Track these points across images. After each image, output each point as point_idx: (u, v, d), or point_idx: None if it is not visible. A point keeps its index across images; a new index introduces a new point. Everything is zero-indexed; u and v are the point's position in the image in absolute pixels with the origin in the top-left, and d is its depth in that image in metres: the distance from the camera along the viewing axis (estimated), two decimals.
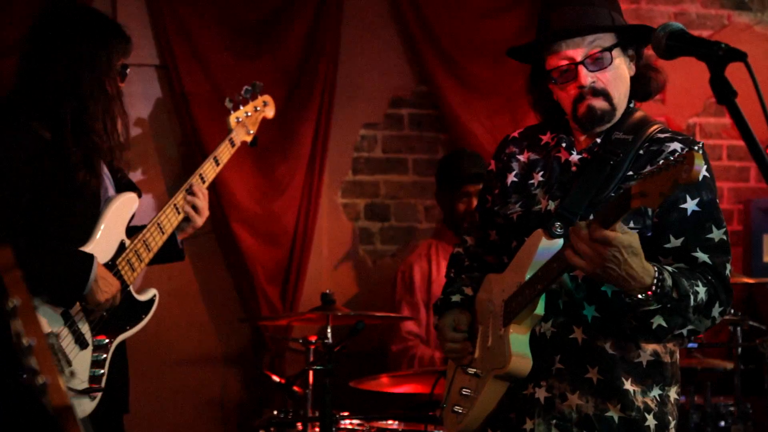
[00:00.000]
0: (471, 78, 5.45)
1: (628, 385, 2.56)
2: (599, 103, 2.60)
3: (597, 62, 2.59)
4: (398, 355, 4.85)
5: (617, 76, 2.62)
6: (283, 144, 5.19)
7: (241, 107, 3.81)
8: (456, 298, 2.82)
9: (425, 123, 5.55)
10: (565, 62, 2.60)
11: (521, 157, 2.78)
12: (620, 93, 2.63)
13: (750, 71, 1.94)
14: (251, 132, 3.82)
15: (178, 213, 3.44)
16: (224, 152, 3.66)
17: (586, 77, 2.58)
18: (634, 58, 2.67)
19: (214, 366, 5.23)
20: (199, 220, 3.52)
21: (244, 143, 3.78)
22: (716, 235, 2.53)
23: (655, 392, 2.59)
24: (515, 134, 2.86)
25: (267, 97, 3.93)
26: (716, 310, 2.49)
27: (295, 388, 4.26)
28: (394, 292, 4.98)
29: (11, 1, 4.88)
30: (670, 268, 2.42)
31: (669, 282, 2.38)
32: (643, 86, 2.70)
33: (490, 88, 5.46)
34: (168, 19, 5.08)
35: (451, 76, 5.42)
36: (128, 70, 3.32)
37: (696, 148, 2.15)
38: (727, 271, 2.54)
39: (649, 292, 2.35)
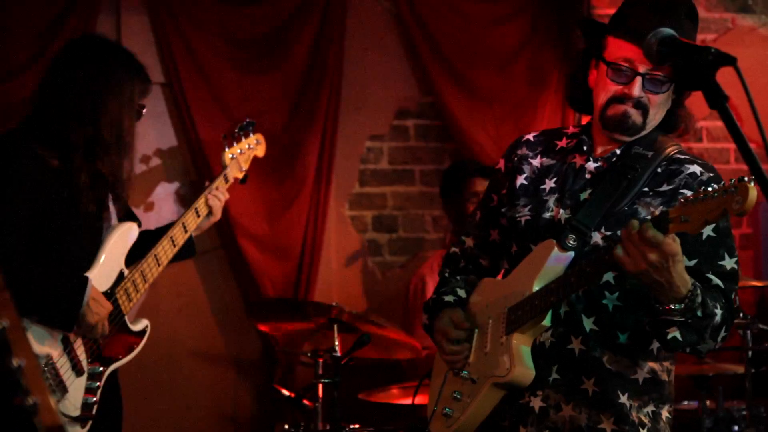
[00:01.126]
0: (475, 87, 5.46)
1: (623, 399, 2.53)
2: (635, 115, 2.55)
3: (655, 84, 2.54)
4: (410, 364, 4.86)
5: (662, 102, 2.58)
6: (289, 157, 5.21)
7: (235, 144, 3.96)
8: (449, 298, 2.76)
9: (431, 134, 5.55)
10: (625, 64, 2.53)
11: (534, 161, 2.73)
12: (656, 118, 2.59)
13: (740, 75, 1.95)
14: (243, 169, 3.98)
15: (174, 246, 3.54)
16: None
17: (638, 91, 2.53)
18: (674, 95, 2.60)
19: (225, 381, 5.24)
20: (219, 214, 3.76)
21: (235, 179, 3.93)
22: (728, 263, 2.50)
23: (650, 408, 2.57)
24: (529, 137, 2.80)
25: (259, 136, 4.08)
26: (721, 335, 2.46)
27: (305, 402, 4.27)
28: (407, 305, 4.98)
29: (18, 25, 4.91)
30: (699, 285, 2.39)
31: (699, 299, 2.36)
32: (672, 121, 2.64)
33: (494, 97, 5.46)
34: (172, 37, 5.11)
35: (455, 86, 5.43)
36: (144, 111, 3.37)
37: (747, 179, 2.10)
38: (732, 299, 2.51)
39: (680, 305, 2.33)
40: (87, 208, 3.20)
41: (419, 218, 5.52)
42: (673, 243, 2.26)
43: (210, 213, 3.73)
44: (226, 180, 3.83)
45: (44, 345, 3.06)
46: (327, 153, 5.27)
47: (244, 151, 3.97)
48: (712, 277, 2.48)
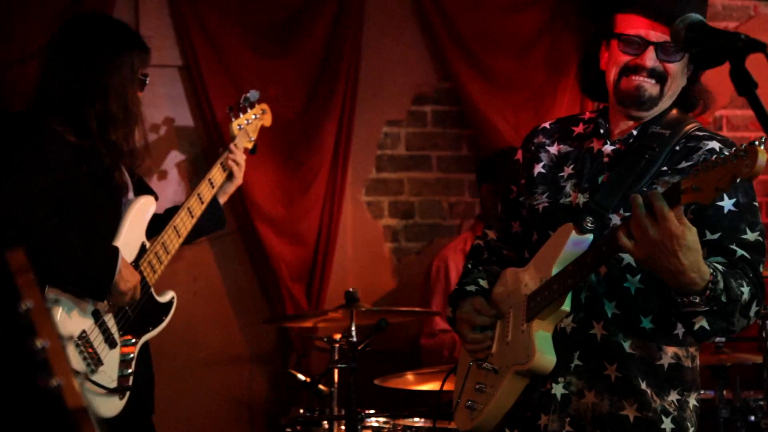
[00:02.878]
0: (494, 73, 5.43)
1: (645, 386, 2.51)
2: (650, 87, 2.53)
3: (669, 53, 2.52)
4: (428, 350, 4.84)
5: (679, 71, 2.55)
6: (306, 143, 5.20)
7: (242, 115, 3.96)
8: (471, 288, 2.75)
9: (449, 119, 5.53)
10: (636, 36, 2.52)
11: (551, 149, 2.72)
12: (673, 88, 2.56)
13: None
14: (252, 139, 3.96)
15: (192, 217, 3.55)
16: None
17: (652, 61, 2.51)
18: (690, 71, 2.59)
19: (240, 365, 5.24)
20: (240, 176, 3.76)
21: (245, 150, 3.90)
22: (751, 236, 2.47)
23: (674, 397, 2.54)
24: (546, 125, 2.80)
25: (264, 105, 4.08)
26: (753, 310, 2.42)
27: (321, 387, 4.27)
28: (428, 286, 4.96)
29: (35, 8, 4.91)
30: (721, 268, 2.36)
31: (721, 285, 2.32)
32: (688, 99, 2.62)
33: (513, 83, 5.44)
34: (190, 21, 5.10)
35: (474, 72, 5.41)
36: (148, 80, 3.38)
37: (758, 142, 2.06)
38: (761, 270, 2.47)
39: (701, 297, 2.30)
40: (120, 181, 3.26)
41: (436, 204, 5.51)
42: (678, 225, 2.22)
43: (231, 177, 3.73)
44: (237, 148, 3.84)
45: (76, 318, 3.09)
46: (344, 138, 5.26)
47: (251, 121, 3.97)
48: (736, 248, 2.45)
